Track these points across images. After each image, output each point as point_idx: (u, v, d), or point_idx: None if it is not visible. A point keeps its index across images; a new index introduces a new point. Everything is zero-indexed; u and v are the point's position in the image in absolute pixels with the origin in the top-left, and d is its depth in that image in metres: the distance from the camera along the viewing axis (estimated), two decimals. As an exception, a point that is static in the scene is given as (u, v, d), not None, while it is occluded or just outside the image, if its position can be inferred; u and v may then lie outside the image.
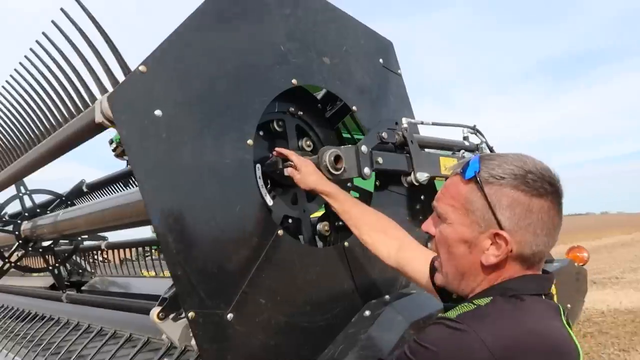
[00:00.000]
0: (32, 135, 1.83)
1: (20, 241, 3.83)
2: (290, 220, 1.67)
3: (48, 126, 1.69)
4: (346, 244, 1.61)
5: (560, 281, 2.32)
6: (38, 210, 4.00)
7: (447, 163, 1.86)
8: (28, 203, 4.09)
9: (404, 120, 1.76)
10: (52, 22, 1.27)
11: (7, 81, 1.68)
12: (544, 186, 0.91)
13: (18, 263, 4.11)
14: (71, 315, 2.84)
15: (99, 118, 1.20)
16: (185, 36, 1.28)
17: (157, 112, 1.19)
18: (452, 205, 0.96)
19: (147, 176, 1.16)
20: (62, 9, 1.16)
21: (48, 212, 3.88)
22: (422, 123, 1.85)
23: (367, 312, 1.50)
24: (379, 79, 1.86)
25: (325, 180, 1.46)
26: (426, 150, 1.90)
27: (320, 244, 1.72)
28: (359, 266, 1.63)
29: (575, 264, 2.61)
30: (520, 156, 0.96)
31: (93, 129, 1.34)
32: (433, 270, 1.25)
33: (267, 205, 1.53)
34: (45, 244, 4.03)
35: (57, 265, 3.99)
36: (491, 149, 2.15)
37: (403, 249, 1.37)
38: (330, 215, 1.81)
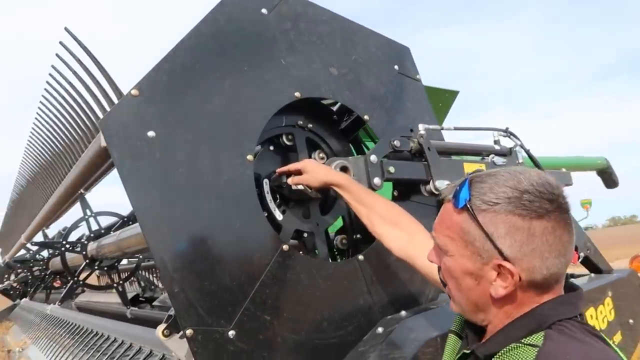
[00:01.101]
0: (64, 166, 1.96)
1: (87, 260, 4.11)
2: (305, 235, 1.65)
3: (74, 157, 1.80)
4: (360, 257, 1.55)
5: (620, 294, 2.11)
6: (102, 231, 4.27)
7: (472, 169, 1.76)
8: (94, 226, 4.38)
9: (420, 126, 1.68)
10: (58, 55, 1.35)
11: (37, 113, 1.82)
12: (544, 206, 0.82)
13: (86, 281, 4.41)
14: (125, 335, 2.91)
15: (103, 142, 1.26)
16: (178, 58, 1.31)
17: (150, 134, 1.23)
18: (449, 237, 0.89)
19: (140, 197, 1.19)
20: (57, 55, 1.23)
21: (112, 232, 4.13)
22: (442, 129, 1.77)
23: (380, 329, 1.43)
24: (394, 86, 1.81)
25: (334, 172, 1.43)
26: (451, 157, 1.81)
27: (338, 258, 1.68)
28: (376, 280, 1.57)
29: (639, 274, 2.36)
30: (515, 174, 0.86)
31: (103, 154, 1.40)
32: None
33: (276, 220, 1.52)
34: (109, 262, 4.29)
35: (121, 282, 4.21)
36: (527, 152, 2.01)
37: (414, 242, 1.31)
38: (348, 228, 1.77)
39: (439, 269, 0.96)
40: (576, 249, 2.09)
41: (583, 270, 2.30)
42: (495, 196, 0.83)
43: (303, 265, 1.43)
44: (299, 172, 1.44)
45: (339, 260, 1.72)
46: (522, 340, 0.83)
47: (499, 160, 1.86)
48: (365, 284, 1.54)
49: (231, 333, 1.26)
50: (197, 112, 1.32)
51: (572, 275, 2.22)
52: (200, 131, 1.31)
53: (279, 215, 1.53)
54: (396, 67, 1.84)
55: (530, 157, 2.01)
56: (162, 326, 1.31)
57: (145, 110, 1.24)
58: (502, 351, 0.84)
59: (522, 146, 1.99)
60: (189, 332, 1.20)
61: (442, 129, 1.77)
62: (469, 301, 0.90)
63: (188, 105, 1.30)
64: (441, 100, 6.82)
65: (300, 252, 1.57)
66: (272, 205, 1.53)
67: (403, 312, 1.48)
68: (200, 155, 1.30)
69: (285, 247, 1.40)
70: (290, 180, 1.45)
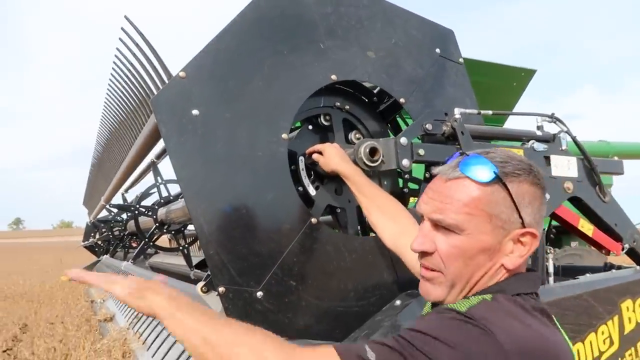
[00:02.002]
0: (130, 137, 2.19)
1: (157, 224, 4.48)
2: (338, 210, 1.75)
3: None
4: (387, 234, 1.63)
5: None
6: (171, 198, 4.62)
7: (509, 154, 1.76)
8: (165, 193, 4.74)
9: (455, 110, 1.71)
10: (121, 41, 1.53)
11: (106, 94, 2.04)
12: (543, 180, 0.91)
13: (155, 242, 4.80)
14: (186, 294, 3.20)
15: (154, 119, 1.43)
16: (222, 43, 1.44)
17: (194, 112, 1.37)
18: (469, 214, 0.86)
19: (183, 167, 1.34)
20: (120, 39, 1.40)
21: (179, 199, 4.46)
22: (479, 113, 1.78)
23: (398, 302, 1.52)
24: (435, 69, 1.84)
25: (346, 163, 1.50)
26: (490, 142, 1.82)
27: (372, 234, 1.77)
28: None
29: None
30: (507, 151, 0.93)
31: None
32: None
33: (309, 194, 1.63)
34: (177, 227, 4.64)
35: (186, 245, 4.55)
36: (574, 139, 1.97)
37: (404, 235, 1.34)
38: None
39: (422, 255, 0.93)
40: (621, 239, 2.04)
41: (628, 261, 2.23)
42: (515, 167, 0.87)
43: (330, 238, 1.54)
44: (321, 153, 1.54)
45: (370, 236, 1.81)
46: (467, 296, 0.89)
47: (539, 146, 1.84)
48: (390, 259, 1.62)
49: (259, 294, 1.40)
50: (237, 93, 1.44)
51: (619, 267, 2.17)
52: (239, 110, 1.44)
53: (312, 191, 1.64)
54: (438, 50, 1.86)
55: (576, 143, 1.96)
56: (201, 283, 1.48)
57: (190, 91, 1.38)
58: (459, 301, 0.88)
59: (568, 132, 1.95)
60: (221, 289, 1.35)
61: (479, 113, 1.78)
62: (468, 280, 0.89)
63: (229, 86, 1.43)
64: (515, 80, 6.56)
65: (332, 227, 1.68)
66: (306, 181, 1.64)
67: (423, 288, 1.55)
68: (238, 133, 1.43)
69: (313, 220, 1.51)
70: (313, 156, 1.56)
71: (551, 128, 1.95)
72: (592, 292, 1.68)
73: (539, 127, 1.93)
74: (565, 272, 2.19)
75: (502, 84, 6.24)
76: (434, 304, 0.99)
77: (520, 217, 0.86)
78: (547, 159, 1.86)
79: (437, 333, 0.78)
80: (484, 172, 0.86)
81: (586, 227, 1.97)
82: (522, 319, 0.82)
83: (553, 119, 1.94)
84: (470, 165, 0.88)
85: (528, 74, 6.50)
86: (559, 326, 0.90)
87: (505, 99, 6.37)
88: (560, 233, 6.92)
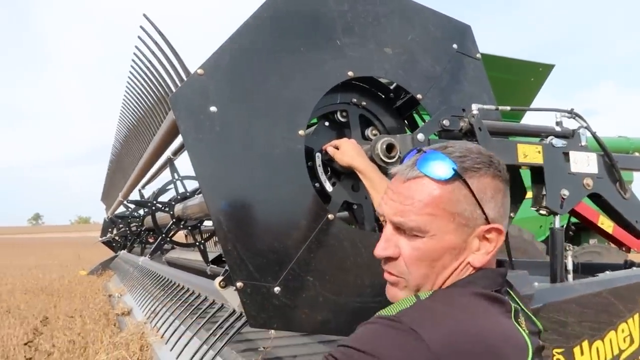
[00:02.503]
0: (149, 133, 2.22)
1: (174, 220, 4.53)
2: (354, 207, 1.75)
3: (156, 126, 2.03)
4: (404, 230, 1.63)
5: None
6: (188, 194, 4.66)
7: (527, 150, 1.75)
8: (182, 189, 4.79)
9: (473, 106, 1.70)
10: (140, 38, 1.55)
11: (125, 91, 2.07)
12: (505, 171, 0.88)
13: (172, 238, 4.85)
14: (203, 289, 3.19)
15: (172, 115, 1.45)
16: (240, 40, 1.45)
17: (212, 108, 1.39)
18: (431, 214, 0.83)
19: (201, 163, 1.36)
20: (139, 37, 1.42)
21: (196, 195, 4.50)
22: (497, 109, 1.77)
23: (415, 298, 1.52)
24: (452, 65, 1.82)
25: (361, 158, 1.50)
26: (508, 138, 1.81)
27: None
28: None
29: None
30: (465, 143, 0.92)
31: (176, 125, 1.59)
32: None
33: (326, 190, 1.64)
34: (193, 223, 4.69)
35: (202, 241, 4.60)
36: (594, 134, 1.94)
37: None
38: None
39: (385, 260, 0.90)
40: (642, 236, 2.01)
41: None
42: (474, 161, 0.84)
43: (347, 234, 1.54)
44: (338, 148, 1.54)
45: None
46: (417, 294, 0.86)
47: (557, 142, 1.82)
48: (407, 255, 1.62)
49: (276, 289, 1.41)
50: (255, 90, 1.45)
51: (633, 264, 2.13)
52: (256, 107, 1.45)
53: (329, 187, 1.65)
54: (455, 46, 1.85)
55: (596, 139, 1.93)
56: (219, 278, 1.51)
57: (208, 88, 1.39)
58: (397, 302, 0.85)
59: (588, 128, 1.93)
60: (239, 284, 1.37)
61: (497, 108, 1.77)
62: (431, 280, 0.87)
63: (247, 84, 1.44)
64: (533, 75, 6.48)
65: (349, 223, 1.69)
66: (323, 177, 1.65)
67: (440, 285, 1.55)
68: (256, 129, 1.44)
69: (330, 216, 1.52)
70: (327, 150, 1.56)
71: (570, 124, 1.93)
72: (612, 290, 1.66)
73: (557, 123, 1.91)
74: (585, 270, 2.16)
75: (519, 79, 6.18)
76: None
77: (484, 212, 0.84)
78: (566, 155, 1.83)
79: (360, 344, 0.76)
80: (442, 169, 0.83)
81: (606, 224, 1.94)
82: (455, 315, 0.78)
83: (572, 114, 1.92)
84: (427, 163, 0.85)
85: (546, 69, 6.42)
86: (514, 319, 0.83)
87: (523, 95, 6.31)
88: (579, 230, 6.84)
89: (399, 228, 0.87)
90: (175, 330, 2.80)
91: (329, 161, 1.63)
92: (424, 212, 0.83)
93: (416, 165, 0.86)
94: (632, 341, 1.69)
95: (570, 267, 1.79)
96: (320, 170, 1.65)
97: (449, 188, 0.83)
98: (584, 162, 1.87)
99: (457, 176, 0.83)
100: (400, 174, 0.88)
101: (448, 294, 0.85)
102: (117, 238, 8.98)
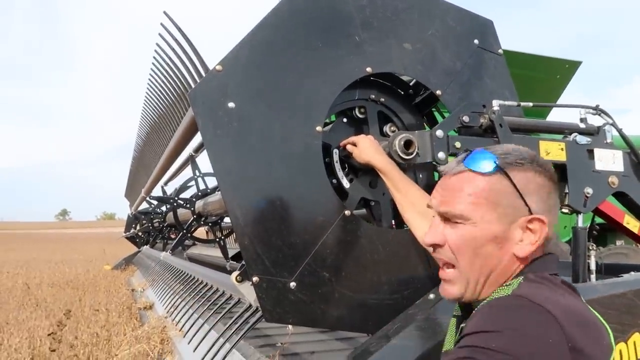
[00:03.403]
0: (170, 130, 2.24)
1: (194, 216, 4.58)
2: (372, 203, 1.75)
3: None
4: (422, 228, 1.62)
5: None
6: (209, 191, 4.72)
7: (550, 148, 1.71)
8: (203, 185, 4.84)
9: (494, 102, 1.67)
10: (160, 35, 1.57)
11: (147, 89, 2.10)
12: (551, 169, 0.92)
13: (193, 234, 4.90)
14: (221, 284, 3.20)
15: (191, 112, 1.46)
16: (258, 37, 1.45)
17: (230, 104, 1.40)
18: (473, 203, 0.90)
19: (219, 159, 1.37)
20: (159, 34, 1.44)
21: (217, 192, 4.55)
22: (518, 105, 1.73)
23: (432, 296, 1.50)
24: (473, 60, 1.80)
25: (380, 156, 1.49)
26: (530, 134, 1.77)
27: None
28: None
29: None
30: (512, 145, 0.98)
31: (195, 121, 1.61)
32: None
33: (343, 187, 1.64)
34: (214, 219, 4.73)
35: (222, 237, 4.64)
36: (620, 131, 1.89)
37: None
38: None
39: (434, 248, 0.95)
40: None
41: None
42: (516, 157, 0.91)
43: (363, 230, 1.54)
44: (355, 144, 1.54)
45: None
46: (503, 284, 0.91)
47: (581, 139, 1.78)
48: (424, 253, 1.61)
49: (292, 284, 1.42)
50: (273, 86, 1.46)
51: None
52: (274, 103, 1.45)
53: (346, 183, 1.64)
54: (476, 41, 1.82)
55: (623, 136, 1.88)
56: (235, 273, 1.52)
57: (227, 84, 1.40)
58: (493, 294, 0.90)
59: (613, 125, 1.87)
60: (255, 279, 1.38)
61: (519, 104, 1.74)
62: (481, 272, 0.91)
63: (265, 80, 1.45)
64: (559, 72, 6.35)
65: (367, 220, 1.68)
66: (340, 173, 1.64)
67: (458, 283, 1.53)
68: (273, 125, 1.44)
69: (347, 212, 1.51)
70: (347, 147, 1.55)
71: (595, 120, 1.88)
72: (637, 291, 1.61)
73: (582, 120, 1.86)
74: (609, 271, 2.11)
75: (545, 76, 6.06)
76: (462, 304, 1.00)
77: (527, 204, 0.89)
78: (591, 152, 1.79)
79: (495, 326, 0.77)
80: (485, 163, 0.90)
81: (632, 223, 1.89)
82: (560, 293, 0.85)
83: (597, 110, 1.87)
84: (472, 159, 0.92)
85: (573, 65, 6.28)
86: (583, 301, 0.90)
87: (549, 92, 6.18)
88: (605, 231, 6.67)
89: (445, 217, 0.94)
90: (193, 324, 2.84)
91: (346, 158, 1.63)
92: (467, 201, 0.90)
93: (462, 162, 0.93)
94: (657, 344, 1.64)
95: (593, 267, 1.75)
96: (337, 166, 1.65)
97: (492, 180, 0.90)
98: (609, 160, 1.82)
99: (499, 169, 0.90)
100: (447, 170, 0.96)
101: (539, 277, 0.88)
102: (140, 234, 9.13)
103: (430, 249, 0.98)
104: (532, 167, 0.91)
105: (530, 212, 0.89)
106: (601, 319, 0.87)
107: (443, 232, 0.94)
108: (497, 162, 0.90)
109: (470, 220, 0.90)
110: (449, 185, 0.94)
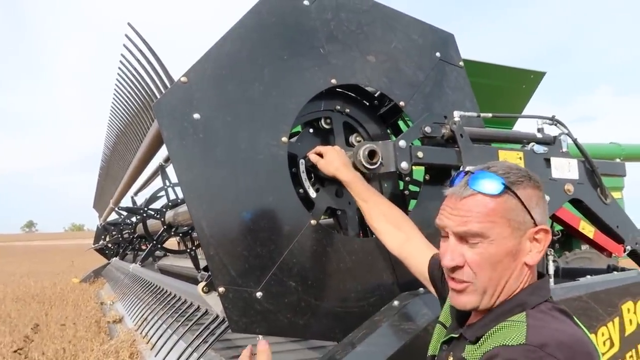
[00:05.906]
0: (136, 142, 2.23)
1: (165, 227, 4.52)
2: (338, 212, 1.77)
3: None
4: (387, 236, 1.65)
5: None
6: (179, 201, 4.67)
7: (508, 157, 1.78)
8: (173, 196, 4.78)
9: (455, 113, 1.73)
10: (126, 47, 1.57)
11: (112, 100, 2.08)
12: (540, 182, 1.00)
13: (164, 245, 4.84)
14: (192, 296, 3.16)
15: (157, 123, 1.46)
16: (223, 48, 1.47)
17: (196, 116, 1.41)
18: (491, 222, 0.95)
19: (185, 170, 1.38)
20: (124, 45, 1.44)
21: (187, 203, 4.49)
22: (478, 116, 1.80)
23: (396, 303, 1.53)
24: (435, 73, 1.85)
25: (346, 168, 1.52)
26: (490, 144, 1.84)
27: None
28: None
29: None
30: (505, 162, 1.05)
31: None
32: (433, 265, 1.28)
33: (310, 197, 1.66)
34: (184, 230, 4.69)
35: (193, 248, 4.59)
36: (575, 141, 1.97)
37: (408, 242, 1.41)
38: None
39: (453, 269, 0.98)
40: (623, 241, 2.03)
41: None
42: (517, 176, 0.97)
43: (329, 239, 1.56)
44: (322, 155, 1.57)
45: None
46: (508, 319, 0.94)
47: (539, 148, 1.85)
48: (389, 261, 1.64)
49: (259, 294, 1.43)
50: (238, 97, 1.47)
51: (622, 269, 2.16)
52: (240, 114, 1.47)
53: (312, 193, 1.67)
54: (438, 54, 1.88)
55: (578, 146, 1.97)
56: (202, 284, 1.51)
57: (192, 95, 1.41)
58: (491, 331, 0.94)
59: (569, 135, 1.96)
60: (221, 289, 1.38)
61: (479, 115, 1.80)
62: (498, 283, 0.96)
63: (230, 91, 1.46)
64: (524, 82, 6.53)
65: (334, 229, 1.70)
66: (306, 183, 1.66)
67: (421, 290, 1.57)
68: (239, 136, 1.46)
69: (313, 221, 1.54)
70: (311, 157, 1.58)
71: (552, 130, 1.96)
72: (592, 294, 1.68)
73: (539, 130, 1.94)
74: (567, 275, 2.19)
75: (511, 86, 6.22)
76: (460, 312, 1.04)
77: (532, 217, 0.96)
78: (548, 161, 1.86)
79: None
80: (493, 185, 0.96)
81: (587, 229, 1.97)
82: (562, 320, 0.91)
83: (554, 121, 1.95)
84: (478, 181, 0.97)
85: (537, 76, 6.47)
86: (577, 321, 0.95)
87: (514, 102, 6.35)
88: (571, 236, 6.86)
89: (462, 238, 0.97)
90: (162, 335, 2.80)
91: (313, 168, 1.65)
92: (484, 220, 0.95)
93: (469, 185, 0.97)
94: (612, 344, 1.71)
95: (551, 271, 1.82)
96: (304, 176, 1.67)
97: (502, 200, 0.95)
98: (565, 168, 1.90)
99: (507, 189, 0.96)
100: (455, 193, 1.00)
101: (538, 312, 0.93)
102: (109, 245, 8.94)
103: (449, 272, 1.00)
104: (530, 183, 0.98)
105: (535, 224, 0.97)
106: (589, 335, 0.93)
107: (462, 253, 0.97)
108: (504, 183, 0.96)
109: (488, 238, 0.95)
110: (461, 208, 0.97)
